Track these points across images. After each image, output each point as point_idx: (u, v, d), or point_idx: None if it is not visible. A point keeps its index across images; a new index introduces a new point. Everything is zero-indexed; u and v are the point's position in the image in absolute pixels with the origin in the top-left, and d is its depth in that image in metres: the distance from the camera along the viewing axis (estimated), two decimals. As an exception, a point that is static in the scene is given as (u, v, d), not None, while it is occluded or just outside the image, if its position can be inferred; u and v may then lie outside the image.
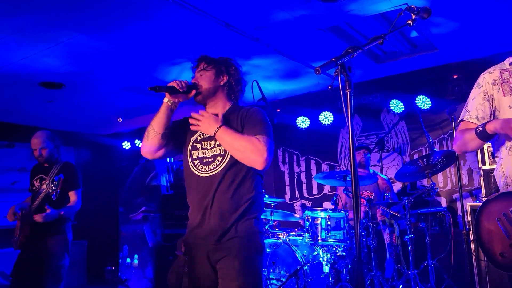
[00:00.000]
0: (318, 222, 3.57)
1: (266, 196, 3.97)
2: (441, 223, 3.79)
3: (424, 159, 3.53)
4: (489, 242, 1.72)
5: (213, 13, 3.05)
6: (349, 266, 3.51)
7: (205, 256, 1.86)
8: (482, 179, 3.56)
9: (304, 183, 5.58)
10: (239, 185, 1.85)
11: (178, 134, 2.01)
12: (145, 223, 6.00)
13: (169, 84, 1.90)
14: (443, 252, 3.54)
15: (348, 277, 3.48)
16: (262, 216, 2.04)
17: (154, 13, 3.05)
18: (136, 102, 5.24)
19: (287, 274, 3.44)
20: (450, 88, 4.22)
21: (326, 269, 3.49)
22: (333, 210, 3.63)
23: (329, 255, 3.52)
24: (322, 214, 3.58)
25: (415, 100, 4.37)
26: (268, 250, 3.76)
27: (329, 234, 3.51)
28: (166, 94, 1.92)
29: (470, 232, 3.33)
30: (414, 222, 3.60)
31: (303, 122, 5.20)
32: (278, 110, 5.34)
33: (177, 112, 2.00)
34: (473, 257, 3.31)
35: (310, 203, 5.45)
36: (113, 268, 6.18)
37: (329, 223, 3.53)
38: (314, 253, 3.61)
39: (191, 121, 1.90)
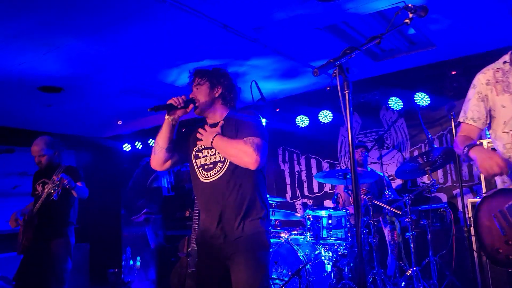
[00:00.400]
0: (320, 220, 3.58)
1: (268, 195, 3.98)
2: (442, 220, 3.79)
3: (424, 156, 3.54)
4: (486, 238, 1.74)
5: (210, 15, 3.05)
6: (351, 264, 3.52)
7: (215, 255, 1.99)
8: (482, 175, 3.57)
9: (305, 182, 5.59)
10: (241, 188, 1.98)
11: (182, 146, 2.17)
12: (147, 225, 6.01)
13: (168, 102, 2.04)
14: (445, 248, 3.55)
15: (350, 275, 3.49)
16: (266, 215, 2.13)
17: (151, 16, 3.05)
18: (135, 104, 5.25)
19: (289, 273, 3.46)
20: (448, 84, 4.22)
21: (328, 267, 3.50)
22: (334, 209, 3.64)
23: (331, 254, 3.53)
24: (323, 213, 3.59)
25: (414, 97, 4.38)
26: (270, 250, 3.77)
27: (331, 232, 3.52)
28: (166, 112, 2.07)
29: (471, 228, 3.34)
30: (415, 219, 3.61)
31: (302, 121, 5.21)
32: (278, 110, 5.34)
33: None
34: (475, 253, 3.32)
35: (311, 201, 5.45)
36: (116, 270, 6.18)
37: (330, 221, 3.54)
38: (316, 252, 3.62)
39: (198, 135, 2.08)
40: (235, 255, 1.93)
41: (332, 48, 3.77)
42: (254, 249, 1.94)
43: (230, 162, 1.99)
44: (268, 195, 3.90)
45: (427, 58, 4.26)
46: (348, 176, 3.60)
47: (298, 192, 5.62)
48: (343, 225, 3.56)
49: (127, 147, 6.60)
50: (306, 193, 5.56)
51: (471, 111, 1.81)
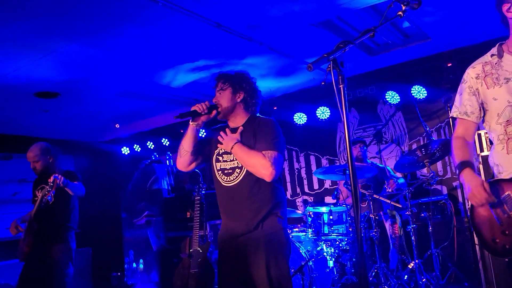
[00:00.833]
0: (320, 217, 3.58)
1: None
2: (442, 212, 3.80)
3: (423, 149, 3.54)
4: (482, 228, 1.75)
5: (203, 14, 3.05)
6: (354, 259, 3.52)
7: (236, 254, 2.12)
8: (481, 166, 3.57)
9: (305, 179, 5.59)
10: (258, 192, 2.11)
11: (205, 149, 2.31)
12: (149, 227, 6.01)
13: (192, 109, 2.17)
14: (446, 240, 3.56)
15: (353, 270, 3.49)
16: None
17: (144, 18, 3.04)
18: (132, 107, 5.24)
19: (292, 270, 3.46)
20: (444, 76, 4.22)
21: (330, 263, 3.51)
22: (335, 205, 3.64)
23: (333, 250, 3.53)
24: (324, 209, 3.59)
25: (411, 90, 4.38)
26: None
27: (332, 228, 3.53)
28: (191, 118, 2.20)
29: (472, 219, 3.33)
30: (416, 212, 3.61)
31: (300, 118, 5.20)
32: (275, 108, 5.34)
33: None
34: (476, 244, 3.32)
35: (312, 198, 5.46)
36: (119, 273, 6.18)
37: (331, 217, 3.54)
38: (318, 248, 3.62)
39: (219, 138, 2.20)
40: (255, 253, 2.04)
41: (328, 44, 3.77)
42: (274, 247, 2.05)
43: (247, 169, 2.12)
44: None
45: (423, 51, 4.26)
46: (347, 171, 3.60)
47: (298, 190, 5.62)
48: (344, 220, 3.56)
49: (125, 150, 6.59)
50: (306, 190, 5.56)
51: (464, 106, 1.81)
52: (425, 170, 3.73)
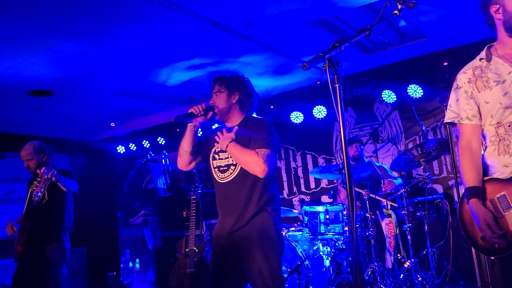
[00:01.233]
0: (317, 216, 3.57)
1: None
2: (438, 211, 3.81)
3: (419, 148, 3.55)
4: (471, 226, 1.75)
5: (199, 12, 3.03)
6: (350, 258, 3.52)
7: (229, 248, 2.20)
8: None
9: (301, 178, 5.58)
10: (251, 189, 2.19)
11: (203, 148, 2.41)
12: (145, 226, 5.98)
13: (189, 111, 2.29)
14: (442, 239, 3.56)
15: (349, 269, 3.49)
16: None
17: (140, 16, 3.02)
18: (128, 106, 5.20)
19: (288, 269, 3.45)
20: (440, 75, 4.23)
21: (327, 262, 3.50)
22: (331, 204, 3.63)
23: (329, 249, 3.53)
24: (320, 208, 3.59)
25: (407, 89, 4.38)
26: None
27: (328, 227, 3.52)
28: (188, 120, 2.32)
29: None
30: (412, 211, 3.62)
31: (297, 117, 5.19)
32: (272, 107, 5.33)
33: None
34: (472, 243, 3.32)
35: (308, 197, 5.45)
36: (115, 273, 6.16)
37: (327, 216, 3.54)
38: (314, 248, 3.62)
39: (216, 138, 2.31)
40: (246, 248, 2.13)
41: (324, 42, 3.76)
42: (264, 242, 2.12)
43: (241, 167, 2.21)
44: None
45: (419, 50, 4.26)
46: (343, 171, 3.59)
47: (295, 189, 5.61)
48: (341, 219, 3.56)
49: (121, 149, 6.55)
50: (303, 189, 5.56)
51: (464, 111, 1.80)
52: (421, 169, 3.74)
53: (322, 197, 5.33)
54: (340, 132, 1.33)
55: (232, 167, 2.25)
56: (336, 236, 3.52)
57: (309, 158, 5.55)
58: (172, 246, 5.11)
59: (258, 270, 2.07)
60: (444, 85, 4.17)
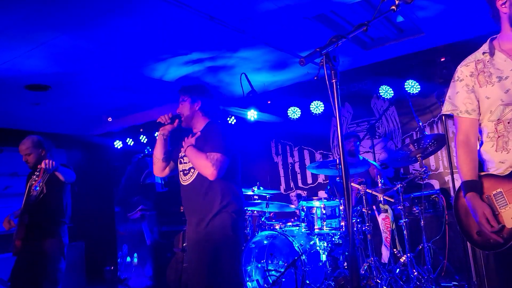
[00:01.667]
0: (314, 211, 3.59)
1: (261, 188, 3.98)
2: (434, 206, 3.83)
3: (415, 143, 3.56)
4: (466, 220, 1.76)
5: (196, 6, 3.01)
6: (346, 253, 3.54)
7: (194, 247, 2.34)
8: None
9: (299, 173, 5.59)
10: (209, 190, 2.31)
11: (174, 154, 2.56)
12: (143, 221, 6.00)
13: (157, 120, 2.46)
14: (438, 234, 3.59)
15: (345, 264, 3.52)
16: (241, 209, 2.41)
17: (136, 8, 3.00)
18: (124, 101, 5.19)
19: (285, 264, 3.47)
20: (438, 71, 4.23)
21: (323, 257, 3.52)
22: (328, 199, 3.65)
23: (326, 244, 3.55)
24: (317, 203, 3.60)
25: (404, 85, 4.38)
26: (265, 242, 3.78)
27: (325, 222, 3.54)
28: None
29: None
30: (408, 206, 3.64)
31: (294, 112, 5.18)
32: (269, 102, 5.32)
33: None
34: (467, 238, 3.35)
35: (305, 192, 5.47)
36: (112, 268, 6.17)
37: (324, 211, 3.55)
38: (311, 242, 3.64)
39: (183, 143, 2.44)
40: (206, 248, 2.25)
41: (322, 38, 3.75)
42: (220, 245, 2.23)
43: None
44: (261, 188, 3.94)
45: (416, 45, 4.26)
46: (340, 166, 3.60)
47: (292, 184, 5.63)
48: (337, 214, 3.58)
49: (118, 144, 6.54)
50: (300, 184, 5.57)
51: (464, 104, 1.79)
52: (417, 165, 3.75)
53: (319, 192, 5.35)
54: (337, 127, 1.33)
55: (192, 170, 2.39)
56: (333, 231, 3.53)
57: (306, 154, 5.56)
58: (169, 241, 5.13)
59: (207, 275, 2.18)
60: (441, 80, 4.18)
